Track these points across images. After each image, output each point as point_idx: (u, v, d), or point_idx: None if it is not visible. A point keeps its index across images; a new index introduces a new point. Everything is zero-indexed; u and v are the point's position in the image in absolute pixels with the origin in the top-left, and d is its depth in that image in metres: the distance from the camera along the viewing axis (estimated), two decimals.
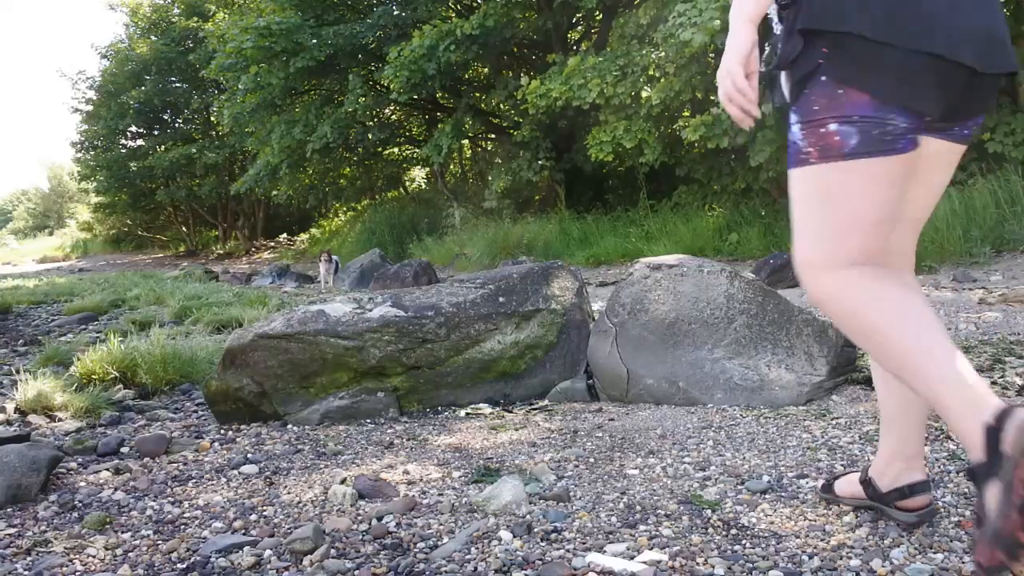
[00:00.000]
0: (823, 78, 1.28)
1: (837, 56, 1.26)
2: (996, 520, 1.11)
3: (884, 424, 1.55)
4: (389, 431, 2.49)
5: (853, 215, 1.30)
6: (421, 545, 1.56)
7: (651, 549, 1.48)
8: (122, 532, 1.70)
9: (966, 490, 1.69)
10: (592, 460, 2.05)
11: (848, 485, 1.64)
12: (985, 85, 1.31)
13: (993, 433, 1.15)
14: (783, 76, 1.38)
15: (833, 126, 1.28)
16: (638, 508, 1.69)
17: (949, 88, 1.27)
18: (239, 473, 2.09)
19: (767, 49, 1.42)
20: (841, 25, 1.24)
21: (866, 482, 1.58)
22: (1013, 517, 1.08)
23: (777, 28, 1.39)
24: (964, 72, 1.26)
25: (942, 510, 1.59)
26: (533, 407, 2.69)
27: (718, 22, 7.62)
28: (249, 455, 2.25)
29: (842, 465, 1.89)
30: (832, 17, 1.25)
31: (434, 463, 2.09)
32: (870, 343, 1.32)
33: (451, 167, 17.74)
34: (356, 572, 1.45)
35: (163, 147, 21.52)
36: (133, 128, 22.44)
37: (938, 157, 1.38)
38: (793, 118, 1.34)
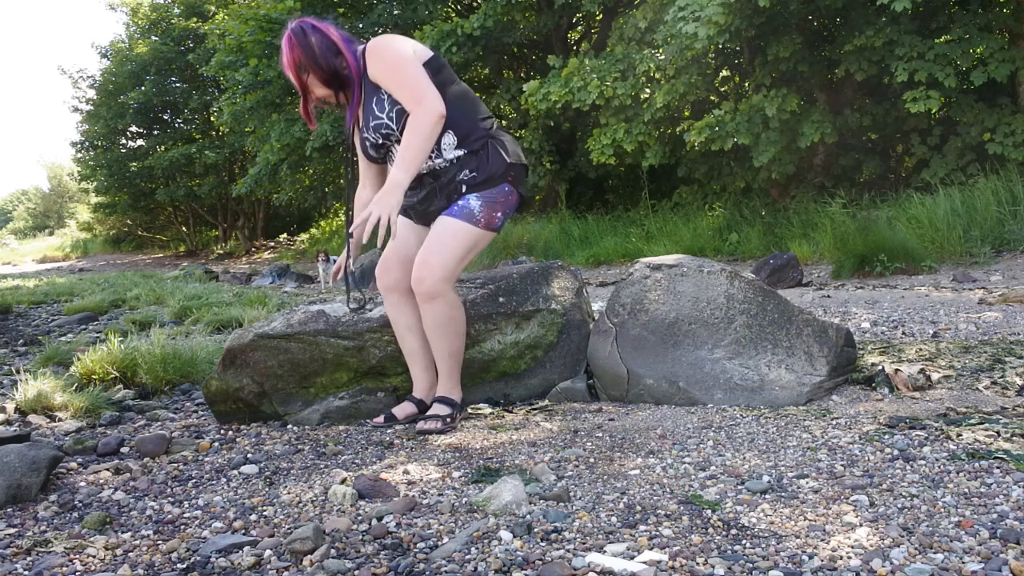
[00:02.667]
0: (507, 188, 2.43)
1: (517, 176, 2.45)
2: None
3: (425, 368, 2.54)
4: (389, 431, 2.49)
5: (469, 256, 2.42)
6: (421, 545, 1.56)
7: (651, 549, 1.48)
8: (122, 532, 1.71)
9: (966, 490, 1.69)
10: (592, 460, 2.05)
11: (402, 410, 2.52)
12: None
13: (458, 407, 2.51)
14: (465, 184, 2.40)
15: (499, 213, 2.43)
16: (638, 508, 1.69)
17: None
18: (239, 473, 2.09)
19: (466, 167, 2.42)
20: (522, 160, 2.49)
21: (419, 402, 2.53)
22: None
23: (451, 157, 2.39)
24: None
25: (942, 510, 1.59)
26: (533, 407, 2.69)
27: (721, 18, 7.61)
28: (249, 455, 2.25)
29: (842, 465, 1.89)
30: (520, 157, 2.48)
31: (434, 463, 2.09)
32: (451, 329, 2.41)
33: None
34: (356, 572, 1.45)
35: (163, 147, 21.50)
36: (133, 128, 22.42)
37: None
38: (476, 196, 2.38)
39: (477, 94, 2.37)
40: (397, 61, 2.25)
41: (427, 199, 2.47)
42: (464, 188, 2.40)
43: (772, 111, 8.29)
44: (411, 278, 2.39)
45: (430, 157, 2.37)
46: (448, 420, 2.44)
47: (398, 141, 2.36)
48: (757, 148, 8.62)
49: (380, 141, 2.42)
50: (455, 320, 2.43)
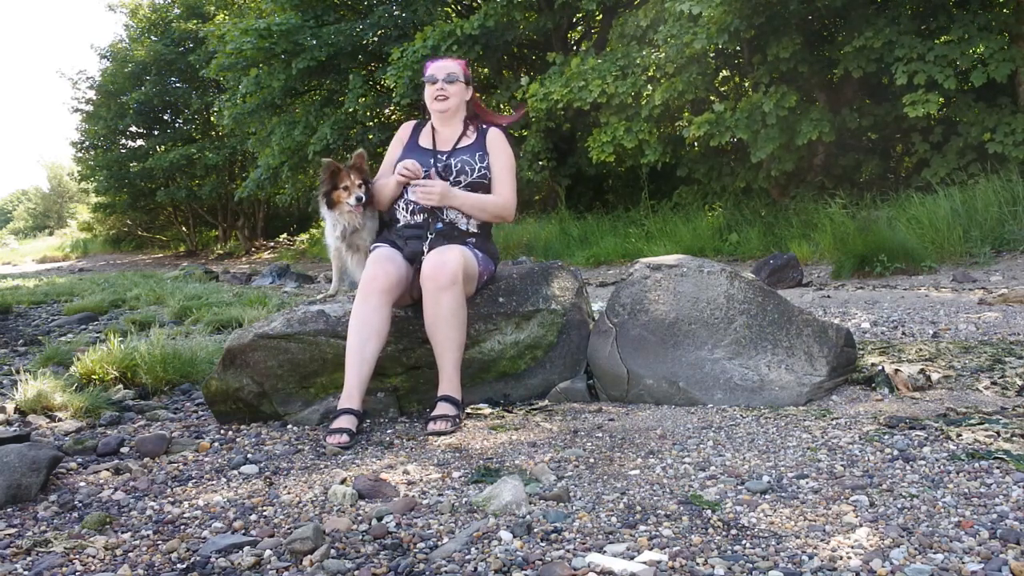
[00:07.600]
0: (492, 267, 2.85)
1: (495, 270, 2.90)
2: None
3: (366, 380, 2.47)
4: (389, 431, 2.49)
5: (468, 283, 2.63)
6: (421, 545, 1.56)
7: (651, 549, 1.48)
8: (122, 532, 1.71)
9: (966, 490, 1.69)
10: (592, 460, 2.05)
11: (354, 424, 2.39)
12: None
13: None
14: (472, 240, 2.78)
15: (485, 276, 2.77)
16: (638, 508, 1.69)
17: None
18: (239, 473, 2.09)
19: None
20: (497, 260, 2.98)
21: (358, 413, 2.42)
22: None
23: (472, 229, 2.81)
24: None
25: (942, 510, 1.59)
26: (533, 407, 2.69)
27: (719, 10, 7.67)
28: (249, 455, 2.25)
29: (842, 465, 1.89)
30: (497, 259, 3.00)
31: (434, 463, 2.09)
32: (462, 318, 2.53)
33: None
34: (356, 572, 1.45)
35: (163, 147, 21.47)
36: (133, 128, 22.39)
37: None
38: (479, 251, 2.74)
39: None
40: (514, 163, 2.90)
41: (431, 245, 2.68)
42: (470, 242, 2.76)
43: (770, 107, 8.30)
44: (426, 270, 2.52)
45: (463, 215, 2.76)
46: (457, 420, 2.46)
47: (448, 178, 2.77)
48: (756, 144, 8.63)
49: (453, 168, 2.77)
50: (465, 311, 2.56)
